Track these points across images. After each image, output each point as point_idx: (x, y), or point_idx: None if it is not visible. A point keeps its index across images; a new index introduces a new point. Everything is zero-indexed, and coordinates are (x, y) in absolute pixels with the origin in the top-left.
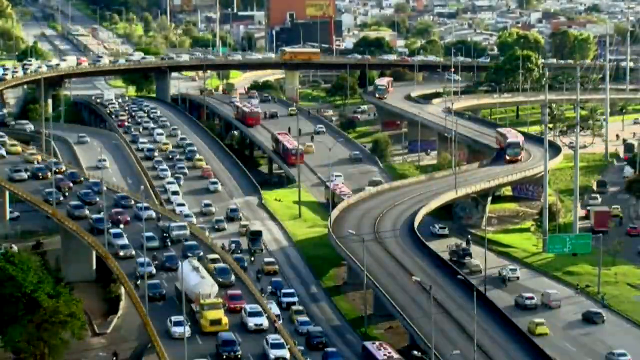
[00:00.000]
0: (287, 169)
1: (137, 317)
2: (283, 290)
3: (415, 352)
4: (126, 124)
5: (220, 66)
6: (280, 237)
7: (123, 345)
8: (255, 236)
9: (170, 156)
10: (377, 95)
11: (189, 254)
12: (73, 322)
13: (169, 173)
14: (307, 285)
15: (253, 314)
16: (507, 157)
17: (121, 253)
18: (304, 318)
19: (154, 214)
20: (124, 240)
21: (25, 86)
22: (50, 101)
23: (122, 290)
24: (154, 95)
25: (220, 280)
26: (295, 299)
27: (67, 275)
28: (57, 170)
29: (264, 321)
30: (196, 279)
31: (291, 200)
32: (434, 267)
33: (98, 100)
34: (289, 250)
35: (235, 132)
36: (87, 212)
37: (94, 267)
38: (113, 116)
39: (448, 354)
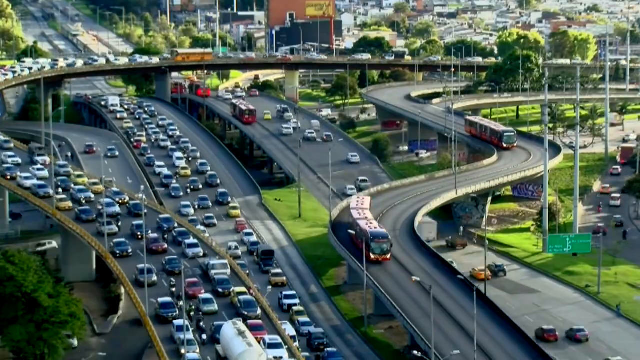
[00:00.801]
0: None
1: (137, 317)
2: (284, 292)
3: (415, 352)
4: (143, 145)
5: (220, 66)
6: (280, 237)
7: (123, 345)
8: (267, 256)
9: (192, 187)
10: (504, 145)
11: (219, 289)
12: (73, 322)
13: (191, 210)
14: (307, 285)
15: (272, 346)
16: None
17: (182, 351)
18: (305, 319)
19: (201, 252)
20: (189, 335)
21: (25, 86)
22: (50, 101)
23: (122, 290)
24: (154, 95)
25: (246, 313)
26: (297, 300)
27: (67, 275)
28: (119, 201)
29: (283, 354)
30: (241, 346)
31: (291, 200)
32: (433, 267)
33: (102, 103)
34: (289, 250)
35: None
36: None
37: (94, 267)
38: (130, 137)
39: (448, 354)
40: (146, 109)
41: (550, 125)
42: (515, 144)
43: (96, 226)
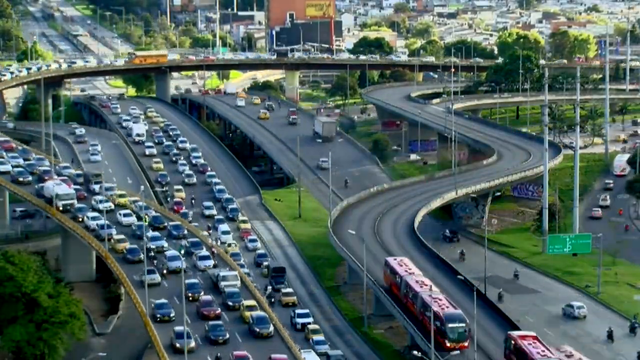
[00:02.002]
0: None
1: (137, 317)
2: (297, 311)
3: (415, 352)
4: (183, 209)
5: (220, 66)
6: (280, 237)
7: (123, 345)
8: (278, 273)
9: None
10: None
11: (230, 302)
12: (73, 322)
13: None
14: (307, 286)
15: None
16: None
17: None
18: (320, 337)
19: (212, 264)
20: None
21: (25, 86)
22: (50, 101)
23: (123, 290)
24: (154, 95)
25: (258, 330)
26: (311, 319)
27: (67, 275)
28: (146, 215)
29: None
30: None
31: (291, 200)
32: (434, 267)
33: (123, 124)
34: (289, 250)
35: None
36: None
37: (94, 267)
38: (167, 195)
39: (448, 354)
40: (171, 133)
41: (551, 126)
42: None
43: (140, 274)
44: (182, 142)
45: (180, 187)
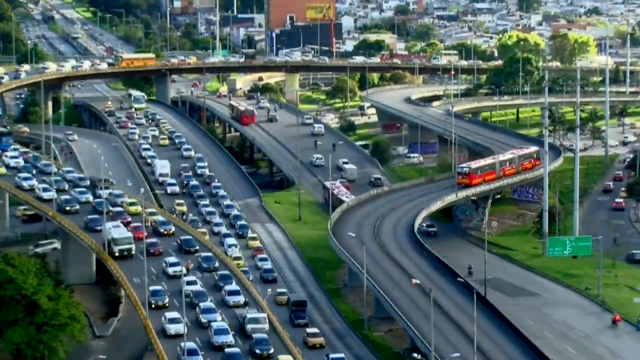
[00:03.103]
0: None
1: (137, 319)
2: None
3: (415, 355)
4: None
5: (220, 69)
6: (280, 239)
7: (123, 348)
8: (299, 307)
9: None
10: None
11: (257, 351)
12: (73, 324)
13: None
14: (307, 288)
15: None
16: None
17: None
18: None
19: (242, 301)
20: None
21: (25, 89)
22: (50, 104)
23: (123, 292)
24: (154, 97)
25: None
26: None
27: (67, 277)
28: (164, 231)
29: None
30: None
31: (291, 202)
32: (434, 269)
33: (143, 154)
34: (289, 253)
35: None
36: None
37: (94, 269)
38: None
39: (448, 357)
40: (176, 140)
41: (551, 128)
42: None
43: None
44: (186, 149)
45: (204, 230)
